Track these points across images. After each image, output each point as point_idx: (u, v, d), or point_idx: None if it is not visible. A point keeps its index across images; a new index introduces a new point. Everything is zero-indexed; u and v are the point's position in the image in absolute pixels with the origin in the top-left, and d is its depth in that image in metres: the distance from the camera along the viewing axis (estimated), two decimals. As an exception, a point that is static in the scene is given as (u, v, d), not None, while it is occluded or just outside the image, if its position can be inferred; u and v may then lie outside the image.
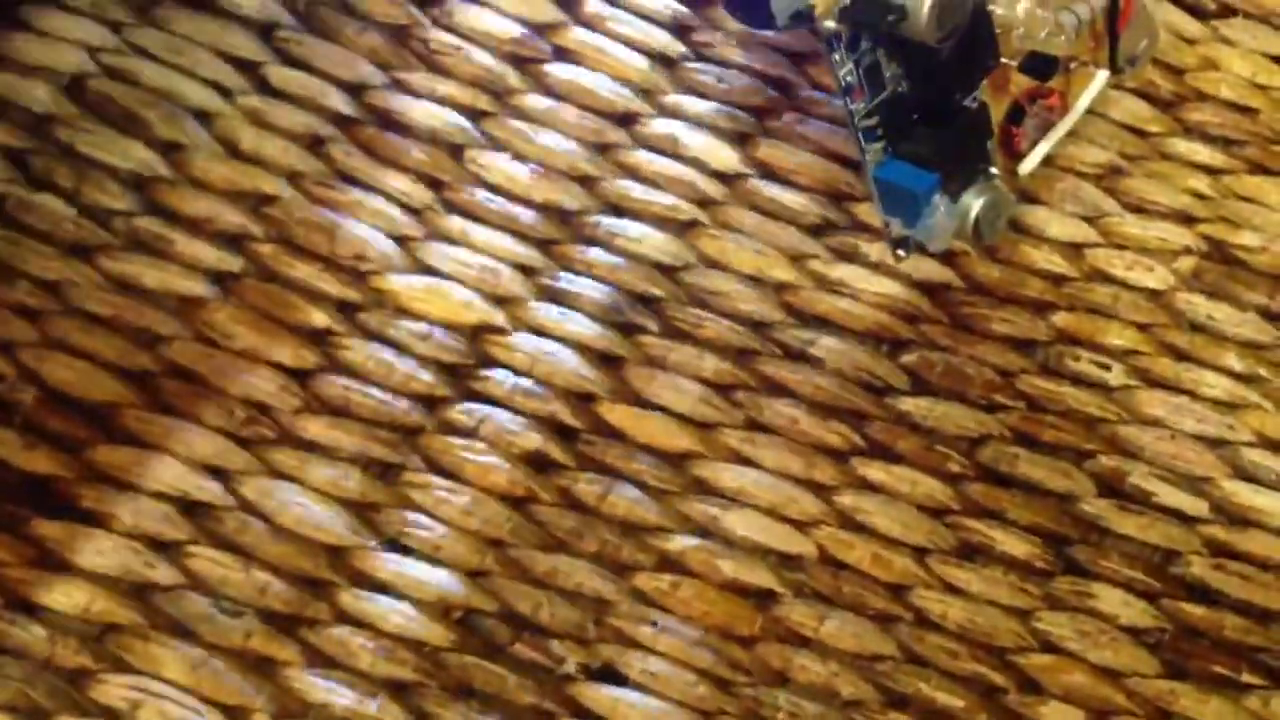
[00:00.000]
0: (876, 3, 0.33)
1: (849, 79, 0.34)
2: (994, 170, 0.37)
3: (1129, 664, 0.37)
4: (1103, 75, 0.39)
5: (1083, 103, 0.39)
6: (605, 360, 0.38)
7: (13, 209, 0.37)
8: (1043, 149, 0.39)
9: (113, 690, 0.33)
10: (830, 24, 0.33)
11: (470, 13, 0.41)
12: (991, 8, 0.35)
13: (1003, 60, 0.36)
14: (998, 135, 0.37)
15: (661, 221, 0.40)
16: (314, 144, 0.38)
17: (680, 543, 0.36)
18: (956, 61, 0.35)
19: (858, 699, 0.36)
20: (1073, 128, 0.40)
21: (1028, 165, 0.39)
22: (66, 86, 0.38)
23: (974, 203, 0.36)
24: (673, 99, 0.41)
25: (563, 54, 0.41)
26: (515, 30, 0.41)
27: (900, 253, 0.37)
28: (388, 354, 0.37)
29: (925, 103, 0.35)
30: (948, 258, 0.39)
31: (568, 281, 0.39)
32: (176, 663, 0.33)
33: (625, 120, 0.41)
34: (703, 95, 0.41)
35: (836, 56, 0.34)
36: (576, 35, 0.41)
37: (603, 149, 0.40)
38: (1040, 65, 0.37)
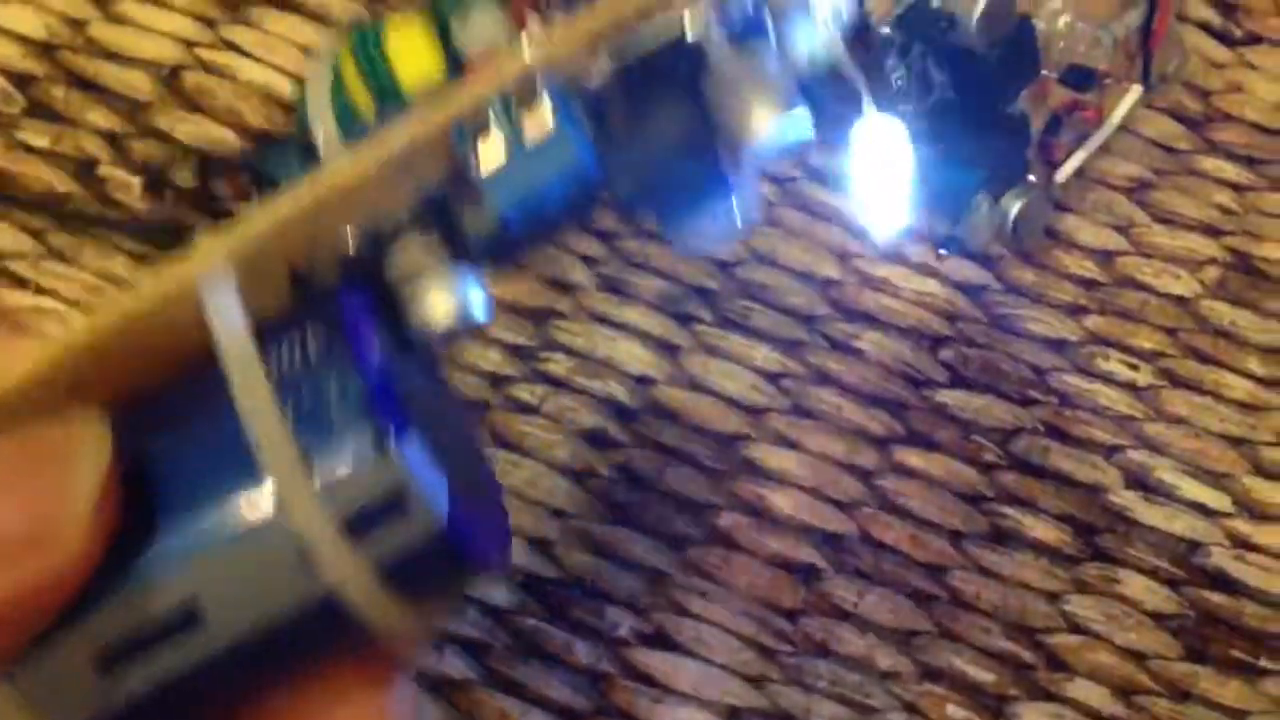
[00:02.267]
0: (929, 11, 0.35)
1: (900, 84, 0.37)
2: (1032, 177, 0.40)
3: (1152, 646, 0.38)
4: (1136, 91, 0.41)
5: (1117, 116, 0.41)
6: (662, 347, 0.40)
7: (113, 189, 0.39)
8: (1078, 159, 0.41)
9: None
10: (885, 30, 0.36)
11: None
12: (1035, 21, 0.37)
13: (1044, 72, 0.38)
14: (1036, 143, 0.40)
15: (716, 220, 0.42)
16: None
17: (730, 519, 0.38)
18: (1001, 70, 0.37)
19: (895, 670, 0.38)
20: (1106, 141, 0.42)
21: (1063, 174, 0.41)
22: (165, 77, 0.40)
23: (1013, 205, 0.38)
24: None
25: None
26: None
27: (942, 251, 0.40)
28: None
29: (970, 108, 0.38)
30: (985, 260, 0.41)
31: (629, 273, 0.41)
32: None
33: None
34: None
35: (889, 62, 0.36)
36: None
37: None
38: (1079, 78, 0.39)
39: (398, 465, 0.18)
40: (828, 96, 0.22)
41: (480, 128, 0.20)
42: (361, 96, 0.23)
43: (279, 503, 0.18)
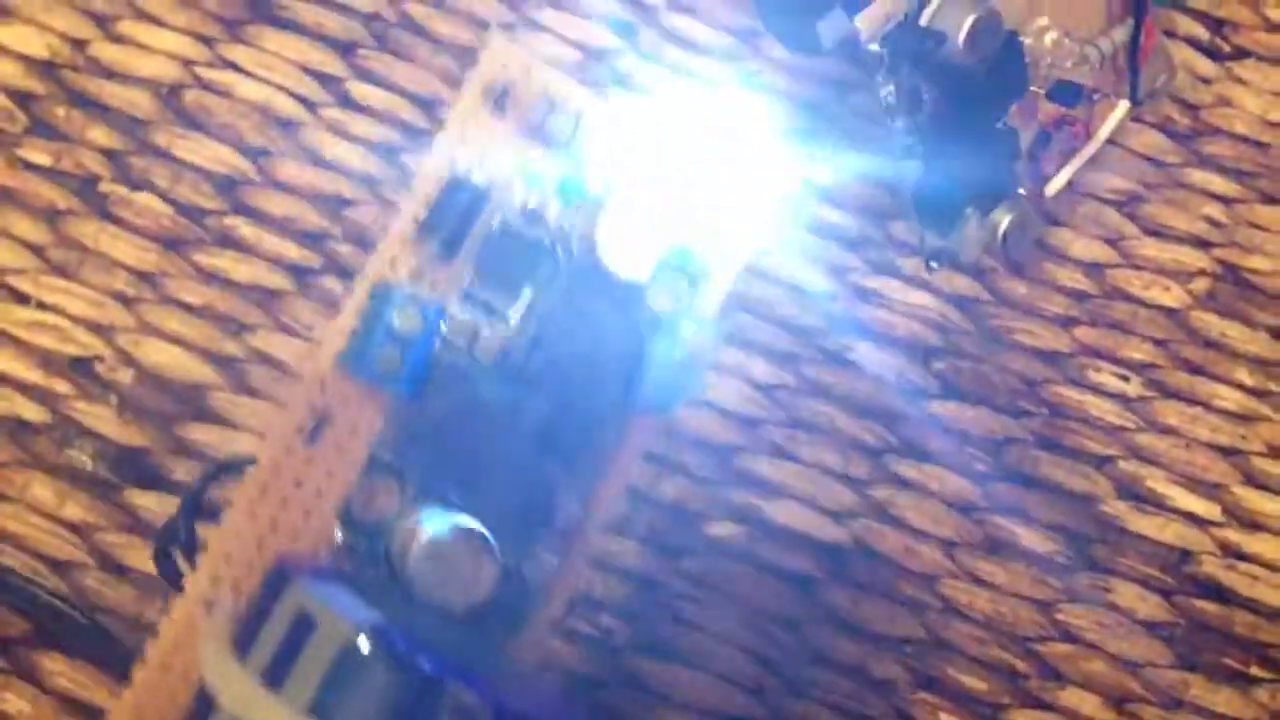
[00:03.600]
0: (918, 29, 0.36)
1: (890, 100, 0.37)
2: (1022, 191, 0.40)
3: (1144, 655, 0.39)
4: (1124, 106, 0.42)
5: (1105, 131, 0.42)
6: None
7: (114, 205, 0.40)
8: (1067, 173, 0.41)
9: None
10: (874, 48, 0.36)
11: (535, 38, 0.43)
12: (1023, 38, 0.38)
13: (1032, 88, 0.39)
14: (1025, 158, 0.40)
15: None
16: (389, 154, 0.41)
17: (725, 528, 0.39)
18: (990, 86, 0.37)
19: (889, 679, 0.38)
20: (1095, 155, 0.42)
21: (1053, 187, 0.41)
22: (164, 95, 0.41)
23: (1004, 219, 0.39)
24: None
25: (622, 79, 0.44)
26: (576, 55, 0.44)
27: (933, 264, 0.40)
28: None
29: (959, 124, 0.38)
30: (977, 273, 0.42)
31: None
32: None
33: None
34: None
35: (879, 78, 0.37)
36: (633, 61, 0.44)
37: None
38: (1066, 93, 0.39)
39: None
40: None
41: None
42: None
43: None
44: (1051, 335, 0.42)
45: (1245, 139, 0.44)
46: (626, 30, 0.43)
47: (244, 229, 0.40)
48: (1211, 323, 0.42)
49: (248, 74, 0.41)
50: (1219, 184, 0.43)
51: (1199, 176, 0.44)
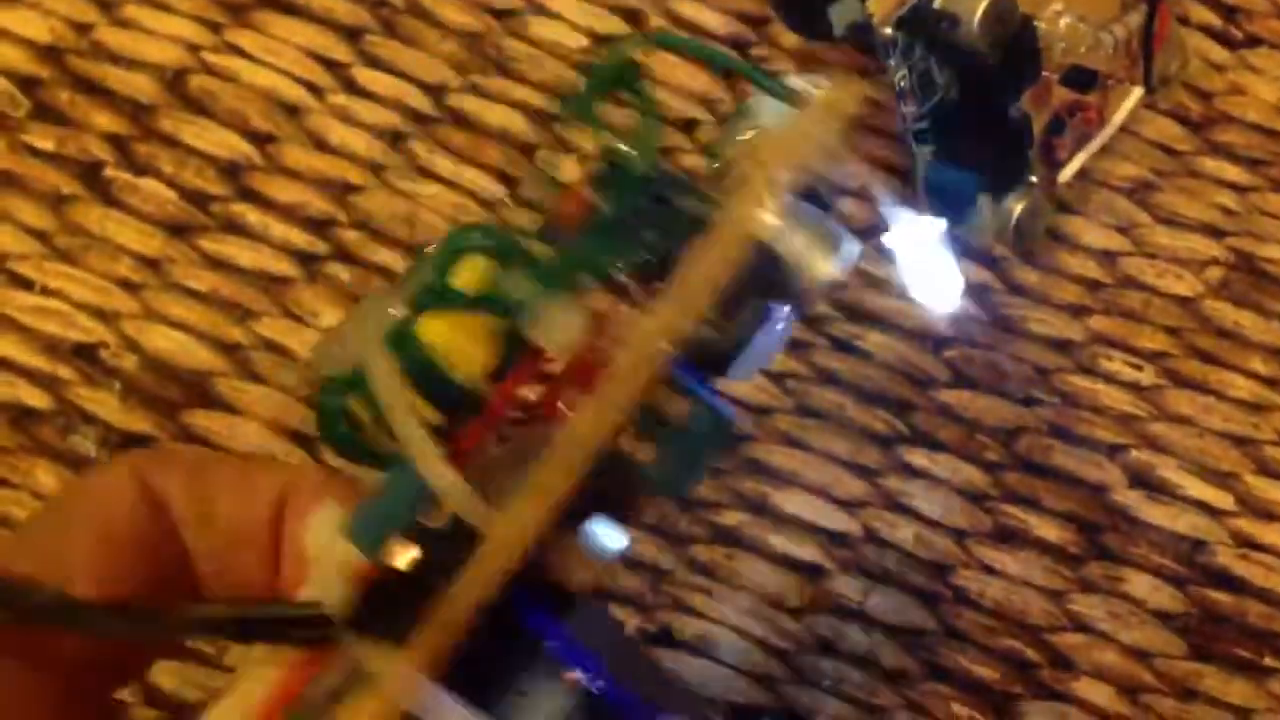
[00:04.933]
0: (930, 11, 0.35)
1: (902, 85, 0.37)
2: (1034, 178, 0.40)
3: (1157, 645, 0.38)
4: (1137, 92, 0.41)
5: (1118, 117, 0.41)
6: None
7: (119, 191, 0.39)
8: (1080, 159, 0.41)
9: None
10: (887, 31, 0.36)
11: (542, 24, 0.43)
12: (1037, 22, 0.37)
13: (1045, 73, 0.39)
14: (1038, 144, 0.40)
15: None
16: (396, 139, 0.41)
17: (734, 517, 0.38)
18: (1003, 71, 0.37)
19: (900, 669, 0.38)
20: (1108, 143, 0.42)
21: (1065, 174, 0.41)
22: (169, 80, 0.40)
23: (1015, 206, 0.39)
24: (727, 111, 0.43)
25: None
26: (582, 40, 0.43)
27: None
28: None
29: (972, 109, 0.38)
30: (989, 261, 0.42)
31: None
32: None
33: (688, 127, 0.43)
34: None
35: (891, 63, 0.36)
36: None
37: (665, 154, 0.43)
38: (1080, 79, 0.39)
39: None
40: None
41: None
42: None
43: None
44: (1063, 323, 0.41)
45: (1258, 127, 0.44)
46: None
47: (250, 215, 0.39)
48: (1224, 311, 0.42)
49: (254, 59, 0.41)
50: (1232, 172, 0.43)
51: (1212, 164, 0.43)
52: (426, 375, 0.20)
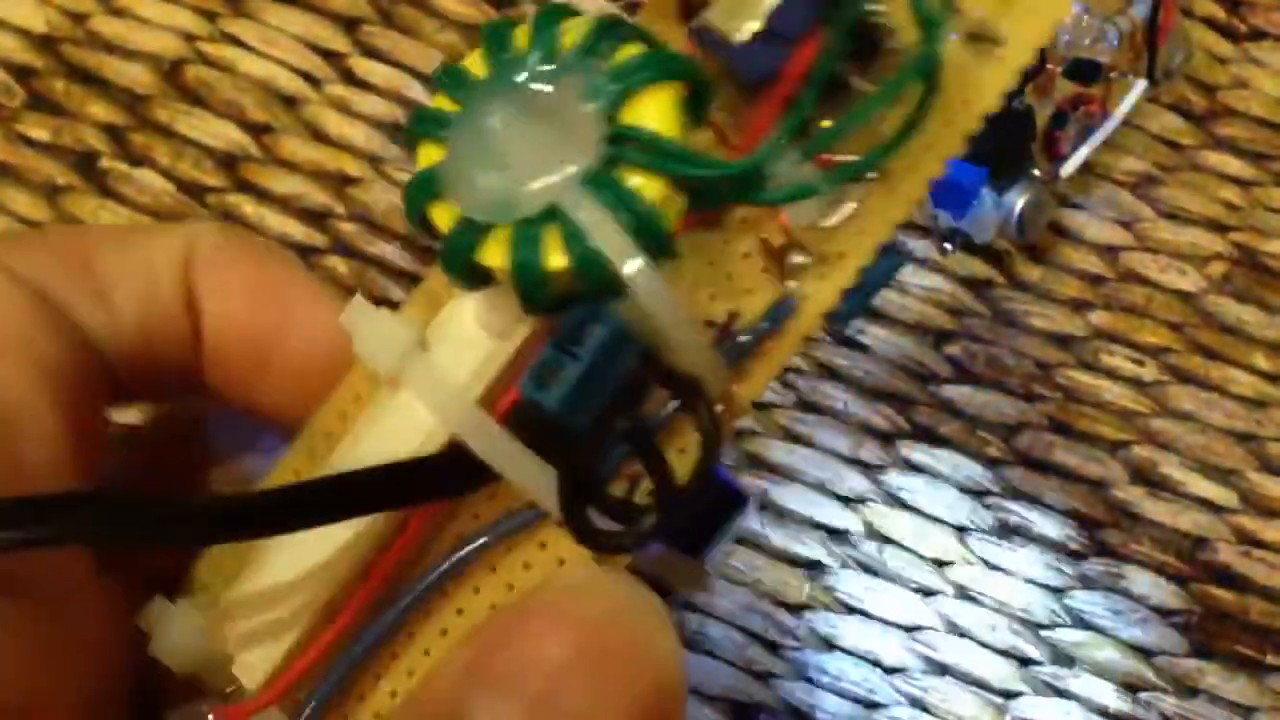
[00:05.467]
0: None
1: (904, 76, 0.36)
2: (1036, 171, 0.39)
3: (1158, 642, 0.38)
4: (1141, 85, 0.41)
5: (1122, 110, 0.41)
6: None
7: (115, 181, 0.39)
8: (1083, 153, 0.41)
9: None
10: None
11: (542, 15, 0.43)
12: (1041, 14, 0.37)
13: (1049, 66, 0.38)
14: (1041, 137, 0.39)
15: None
16: (395, 131, 0.41)
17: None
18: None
19: (901, 666, 0.38)
20: (1111, 137, 0.42)
21: (1068, 168, 0.41)
22: (166, 70, 0.40)
23: (1018, 199, 0.38)
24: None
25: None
26: (584, 33, 0.43)
27: (947, 246, 0.39)
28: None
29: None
30: (991, 256, 0.41)
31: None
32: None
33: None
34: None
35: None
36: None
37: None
38: (1084, 71, 0.39)
39: None
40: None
41: None
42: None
43: None
44: (1065, 318, 0.41)
45: (1262, 121, 0.43)
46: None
47: (247, 207, 0.39)
48: (1228, 307, 0.41)
49: (250, 49, 0.41)
50: (1236, 166, 0.43)
51: (1215, 159, 0.43)
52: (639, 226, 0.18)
